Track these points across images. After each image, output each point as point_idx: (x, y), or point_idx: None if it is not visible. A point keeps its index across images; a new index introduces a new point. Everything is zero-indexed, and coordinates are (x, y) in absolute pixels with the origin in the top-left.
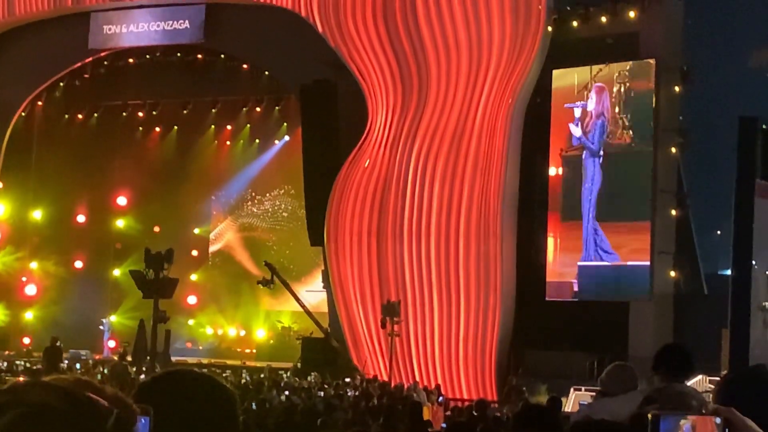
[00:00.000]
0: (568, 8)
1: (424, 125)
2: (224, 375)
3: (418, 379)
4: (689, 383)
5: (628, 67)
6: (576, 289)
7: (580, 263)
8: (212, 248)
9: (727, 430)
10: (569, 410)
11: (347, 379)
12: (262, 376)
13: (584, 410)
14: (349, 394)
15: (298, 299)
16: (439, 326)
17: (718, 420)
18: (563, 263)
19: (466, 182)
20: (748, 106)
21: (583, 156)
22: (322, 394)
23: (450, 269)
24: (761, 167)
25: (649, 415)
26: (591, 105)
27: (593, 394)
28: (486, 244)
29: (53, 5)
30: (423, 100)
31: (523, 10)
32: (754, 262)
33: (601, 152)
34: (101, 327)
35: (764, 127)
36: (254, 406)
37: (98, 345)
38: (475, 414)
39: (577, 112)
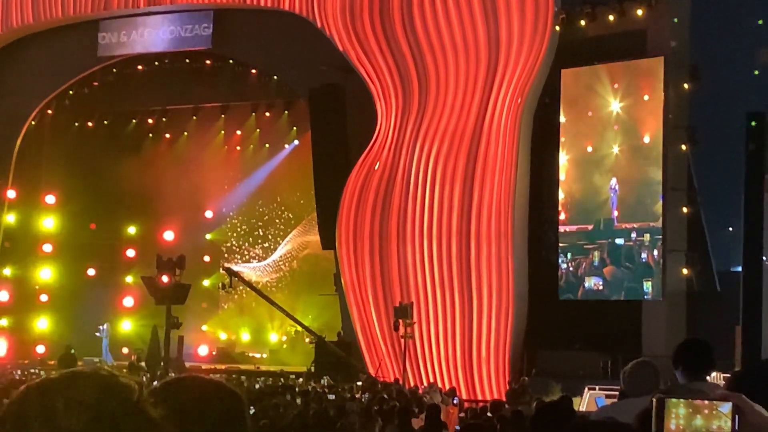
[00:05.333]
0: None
1: (433, 127)
2: (241, 379)
3: (432, 381)
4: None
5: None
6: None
7: None
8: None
9: (737, 416)
10: (583, 409)
11: (359, 383)
12: (271, 381)
13: (606, 410)
14: (363, 397)
15: (272, 302)
16: (452, 328)
17: (726, 408)
18: None
19: (476, 184)
20: (758, 102)
21: None
22: (332, 397)
23: (462, 271)
24: None
25: (654, 399)
26: None
27: (608, 393)
28: (498, 245)
29: (62, 13)
30: (432, 102)
31: (530, 11)
32: (765, 258)
33: None
34: (98, 334)
35: None
36: (252, 410)
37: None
38: (490, 415)
39: None
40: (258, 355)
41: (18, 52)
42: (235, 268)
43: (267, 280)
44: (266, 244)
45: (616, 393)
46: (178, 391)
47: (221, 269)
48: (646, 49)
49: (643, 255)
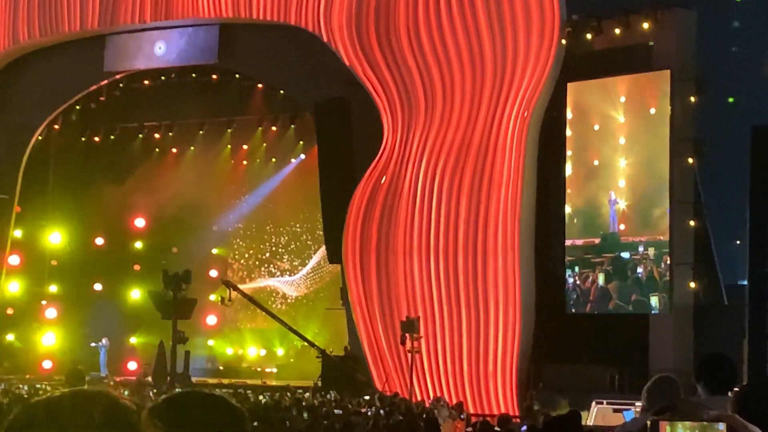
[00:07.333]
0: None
1: (440, 141)
2: (248, 394)
3: (439, 395)
4: None
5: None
6: None
7: None
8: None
9: None
10: (591, 423)
11: (366, 397)
12: (278, 395)
13: (627, 426)
14: (369, 412)
15: (273, 315)
16: (459, 342)
17: (721, 426)
18: None
19: (483, 197)
20: (765, 115)
21: None
22: (339, 411)
23: (469, 284)
24: None
25: (648, 422)
26: None
27: (616, 407)
28: (504, 258)
29: (68, 28)
30: (439, 116)
31: (536, 25)
32: None
33: None
34: (94, 344)
35: None
36: (256, 424)
37: (117, 367)
38: (498, 430)
39: None
40: (266, 370)
41: (24, 67)
42: (264, 283)
43: (305, 293)
44: (275, 258)
45: (623, 407)
46: (180, 406)
47: (221, 282)
48: (652, 63)
49: (650, 268)
